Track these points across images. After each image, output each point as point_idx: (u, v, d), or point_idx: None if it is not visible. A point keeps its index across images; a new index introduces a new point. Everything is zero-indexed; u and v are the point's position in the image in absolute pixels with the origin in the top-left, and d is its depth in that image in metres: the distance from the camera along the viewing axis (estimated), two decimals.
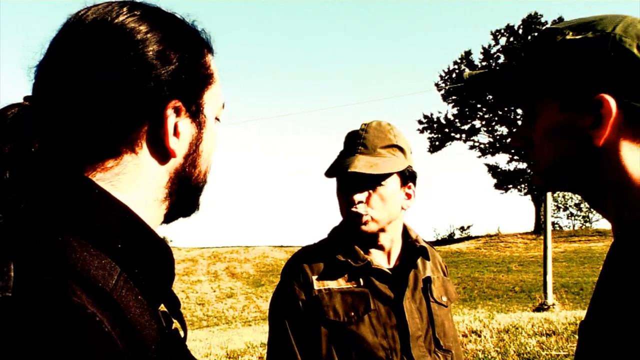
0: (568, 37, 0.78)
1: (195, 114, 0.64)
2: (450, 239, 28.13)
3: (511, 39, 30.14)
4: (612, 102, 0.72)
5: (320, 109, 57.23)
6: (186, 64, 0.62)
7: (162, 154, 0.62)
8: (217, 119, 0.71)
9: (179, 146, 0.63)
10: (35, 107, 0.59)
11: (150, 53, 0.60)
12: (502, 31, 30.41)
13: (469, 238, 27.33)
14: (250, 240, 22.87)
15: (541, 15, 29.54)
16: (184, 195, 0.67)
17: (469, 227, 29.77)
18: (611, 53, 0.73)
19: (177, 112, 0.62)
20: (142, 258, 0.58)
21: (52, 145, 0.58)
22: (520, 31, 29.78)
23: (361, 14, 64.44)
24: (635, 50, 0.72)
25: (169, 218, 0.68)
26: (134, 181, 0.60)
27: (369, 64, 60.51)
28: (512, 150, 30.63)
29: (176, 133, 0.62)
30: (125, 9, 0.61)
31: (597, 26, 0.76)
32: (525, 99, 0.84)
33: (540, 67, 0.80)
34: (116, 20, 0.60)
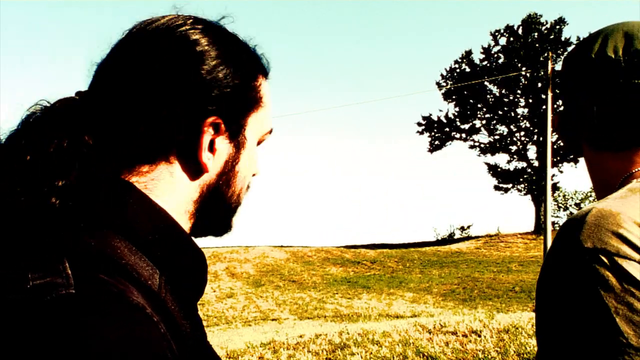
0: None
1: (235, 134, 0.64)
2: (450, 239, 28.10)
3: (511, 39, 30.12)
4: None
5: (321, 109, 57.22)
6: (235, 84, 0.63)
7: (194, 167, 0.62)
8: (260, 142, 0.70)
9: (213, 162, 0.63)
10: (87, 104, 0.60)
11: (205, 67, 0.60)
12: (502, 31, 30.40)
13: (469, 238, 27.31)
14: (250, 240, 22.86)
15: (540, 16, 29.51)
16: (215, 213, 0.67)
17: (469, 227, 29.76)
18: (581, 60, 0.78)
19: (216, 129, 0.62)
20: (179, 262, 0.59)
21: (98, 144, 0.59)
22: (520, 31, 29.76)
23: (361, 14, 64.48)
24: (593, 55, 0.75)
25: (198, 233, 0.68)
26: (168, 189, 0.61)
27: (369, 64, 60.55)
28: (512, 150, 30.62)
29: (213, 150, 0.62)
30: (190, 21, 0.63)
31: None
32: None
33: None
34: (179, 29, 0.61)
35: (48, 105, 0.60)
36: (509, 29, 30.10)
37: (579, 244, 0.60)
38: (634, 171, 0.73)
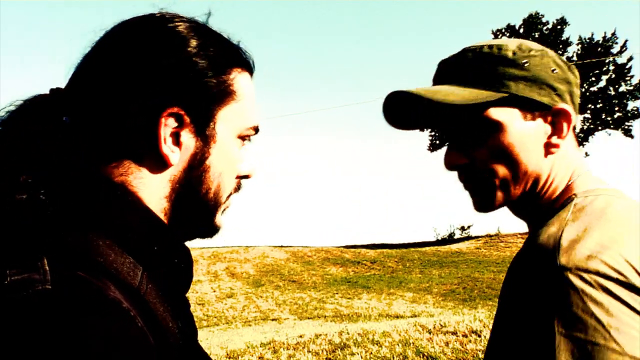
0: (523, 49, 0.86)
1: (202, 127, 0.63)
2: (450, 239, 28.08)
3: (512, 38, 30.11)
4: (573, 114, 0.80)
5: (321, 109, 57.20)
6: (199, 76, 0.61)
7: (159, 161, 0.61)
8: (243, 139, 0.68)
9: (179, 156, 0.62)
10: (60, 100, 0.61)
11: (165, 59, 0.60)
12: (503, 31, 30.40)
13: (469, 238, 27.28)
14: (250, 240, 22.86)
15: (542, 15, 29.52)
16: (190, 211, 0.65)
17: (469, 227, 29.73)
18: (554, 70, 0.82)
19: (179, 121, 0.61)
20: (162, 258, 0.59)
21: (73, 139, 0.59)
22: (522, 31, 29.76)
23: (361, 14, 64.46)
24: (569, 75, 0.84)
25: (183, 234, 0.67)
26: (139, 184, 0.61)
27: (369, 64, 60.52)
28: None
29: (179, 143, 0.61)
30: (158, 17, 0.63)
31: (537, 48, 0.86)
32: (473, 112, 0.81)
33: (492, 75, 0.83)
34: (144, 24, 0.62)
35: (21, 102, 0.61)
36: (510, 28, 30.11)
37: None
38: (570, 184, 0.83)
